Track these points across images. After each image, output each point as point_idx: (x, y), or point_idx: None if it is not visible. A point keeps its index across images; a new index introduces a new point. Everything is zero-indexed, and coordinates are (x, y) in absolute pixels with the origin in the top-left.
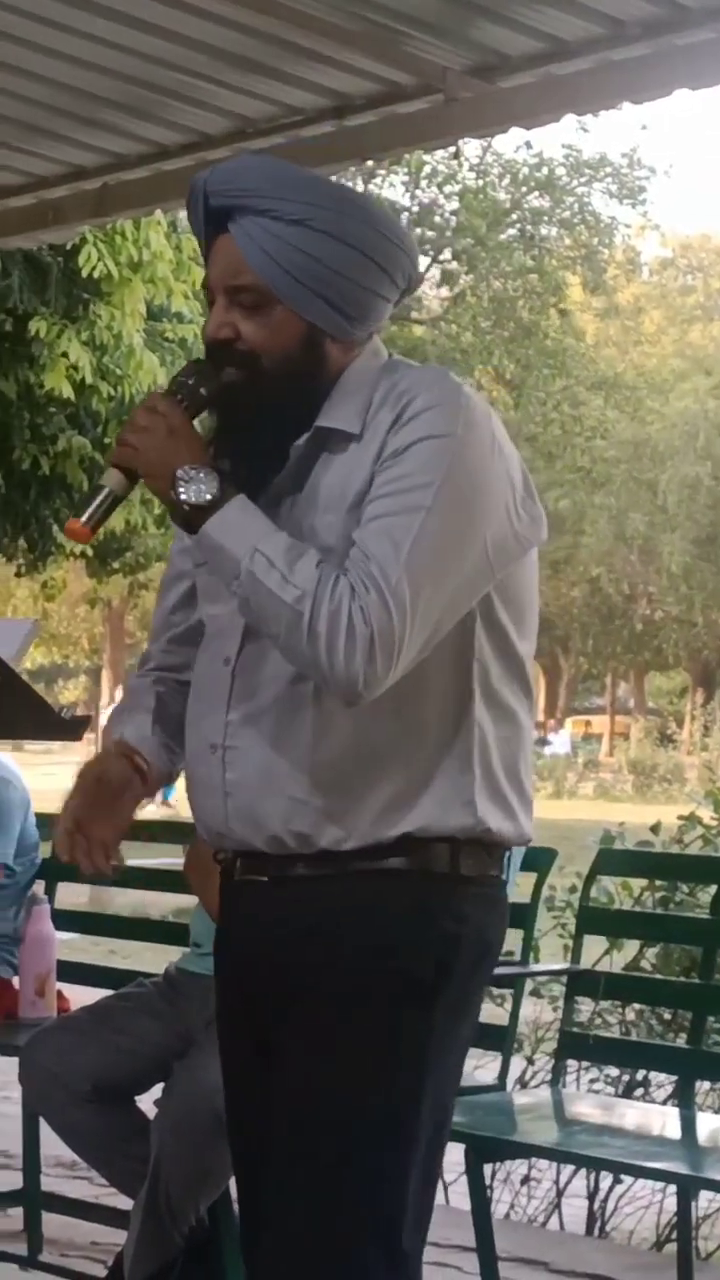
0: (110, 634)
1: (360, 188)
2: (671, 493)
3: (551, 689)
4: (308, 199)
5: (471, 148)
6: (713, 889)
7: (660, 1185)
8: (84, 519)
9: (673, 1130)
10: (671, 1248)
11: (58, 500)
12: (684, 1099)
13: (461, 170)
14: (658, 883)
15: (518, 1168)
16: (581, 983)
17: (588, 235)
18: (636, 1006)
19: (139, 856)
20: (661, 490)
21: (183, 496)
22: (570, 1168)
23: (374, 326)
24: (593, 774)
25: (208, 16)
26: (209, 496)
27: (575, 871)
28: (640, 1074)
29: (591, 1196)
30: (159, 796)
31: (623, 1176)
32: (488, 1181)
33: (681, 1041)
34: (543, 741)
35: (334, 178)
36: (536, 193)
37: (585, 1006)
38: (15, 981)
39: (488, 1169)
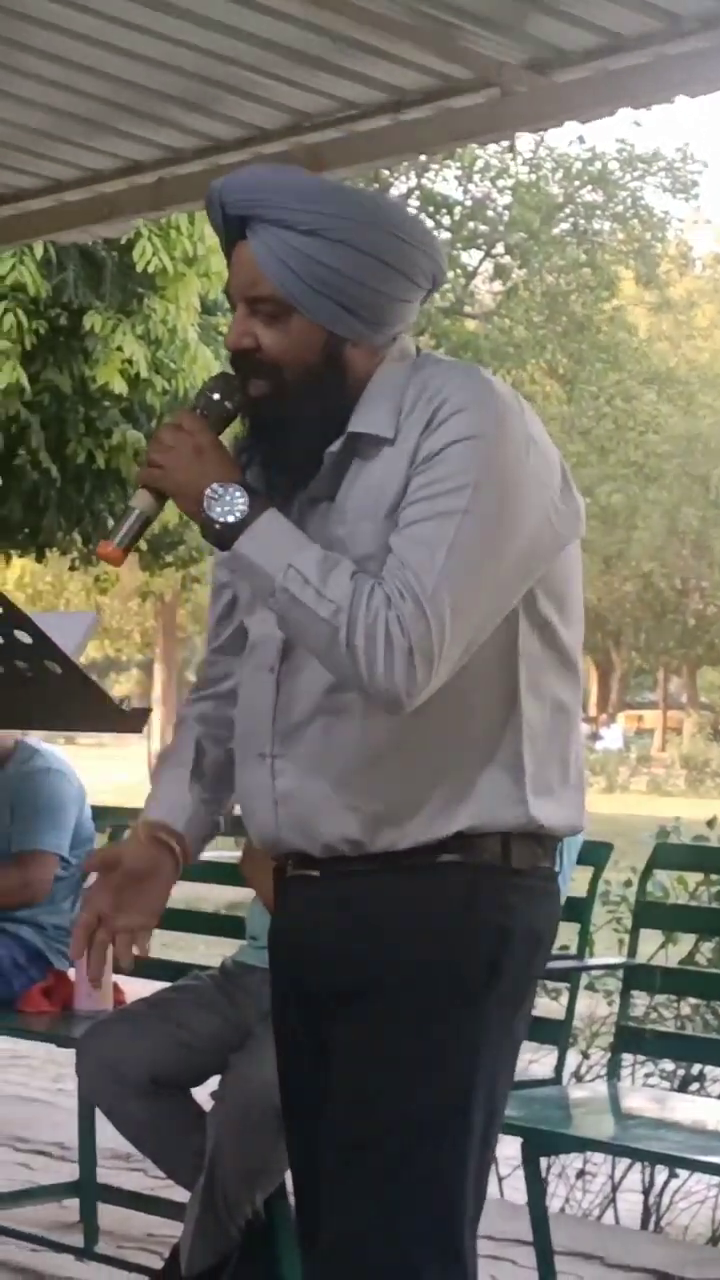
0: (162, 628)
1: (413, 182)
2: None
3: (604, 684)
4: (319, 208)
5: (524, 142)
6: None
7: (716, 1180)
8: (115, 541)
9: None
10: None
11: (112, 494)
12: None
13: (514, 164)
14: (713, 877)
15: (572, 1162)
16: (637, 977)
17: (640, 229)
18: (692, 1001)
19: None
20: (714, 485)
21: (213, 515)
22: (625, 1162)
23: (397, 329)
24: (645, 769)
25: (264, 11)
26: (238, 514)
27: (630, 866)
28: (696, 1068)
29: (646, 1191)
30: None
31: (678, 1171)
32: (543, 1175)
33: None
34: (595, 736)
35: (390, 172)
36: (589, 187)
37: (641, 1001)
38: (72, 973)
39: (543, 1163)
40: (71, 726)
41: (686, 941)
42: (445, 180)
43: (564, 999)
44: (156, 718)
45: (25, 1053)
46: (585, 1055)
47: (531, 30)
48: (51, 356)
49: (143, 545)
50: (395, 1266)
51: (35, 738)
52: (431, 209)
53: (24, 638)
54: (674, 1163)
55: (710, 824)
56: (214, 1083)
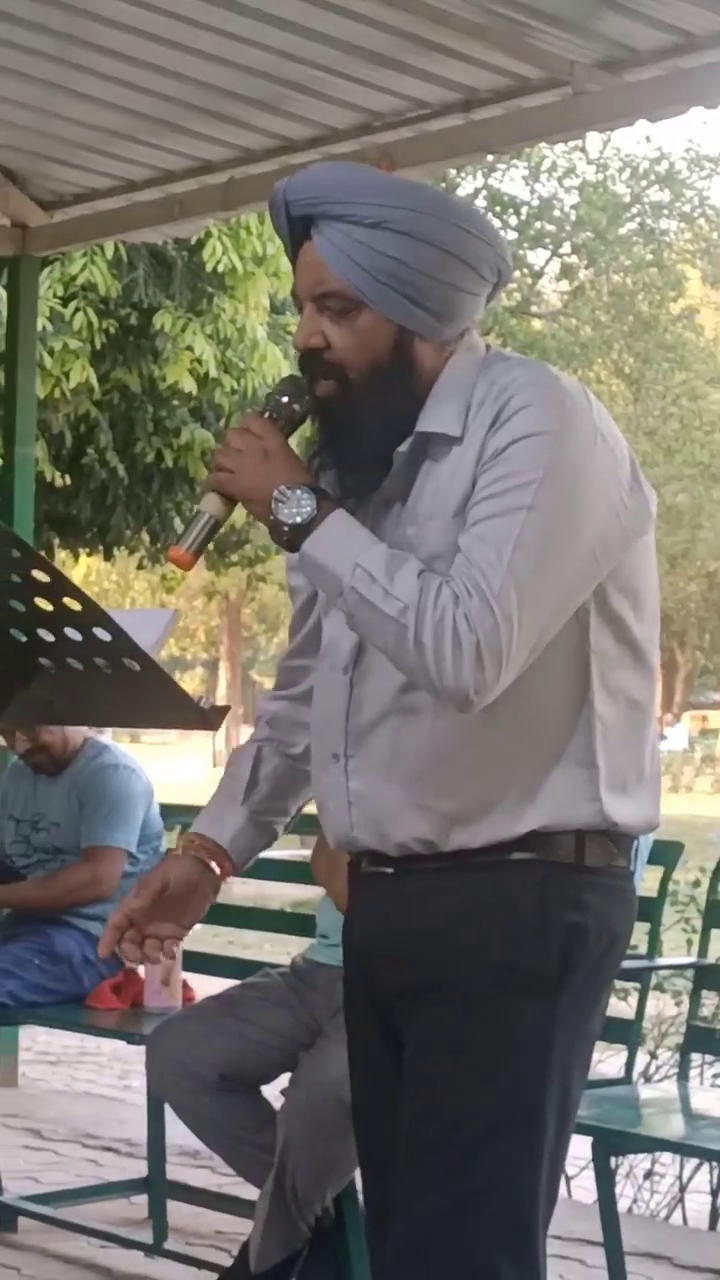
0: (227, 627)
1: (480, 182)
2: None
3: (668, 684)
4: (383, 201)
5: (591, 141)
6: None
7: None
8: (185, 546)
9: None
10: None
11: (180, 493)
12: None
13: (581, 164)
14: None
15: (640, 1162)
16: (707, 977)
17: (708, 229)
18: None
19: None
20: None
21: (281, 517)
22: (694, 1162)
23: (465, 323)
24: (709, 769)
25: (336, 10)
26: (305, 516)
27: (697, 866)
28: None
29: (715, 1192)
30: None
31: None
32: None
33: None
34: (659, 736)
35: (457, 172)
36: (656, 186)
37: (710, 1001)
38: (142, 971)
39: (611, 1162)
40: (150, 724)
41: None
42: (512, 180)
43: (633, 999)
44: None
45: (93, 1049)
46: (653, 1055)
47: (603, 29)
48: (121, 356)
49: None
50: (468, 1265)
51: (105, 735)
52: (499, 208)
53: (103, 635)
54: None
55: None
56: (284, 1080)
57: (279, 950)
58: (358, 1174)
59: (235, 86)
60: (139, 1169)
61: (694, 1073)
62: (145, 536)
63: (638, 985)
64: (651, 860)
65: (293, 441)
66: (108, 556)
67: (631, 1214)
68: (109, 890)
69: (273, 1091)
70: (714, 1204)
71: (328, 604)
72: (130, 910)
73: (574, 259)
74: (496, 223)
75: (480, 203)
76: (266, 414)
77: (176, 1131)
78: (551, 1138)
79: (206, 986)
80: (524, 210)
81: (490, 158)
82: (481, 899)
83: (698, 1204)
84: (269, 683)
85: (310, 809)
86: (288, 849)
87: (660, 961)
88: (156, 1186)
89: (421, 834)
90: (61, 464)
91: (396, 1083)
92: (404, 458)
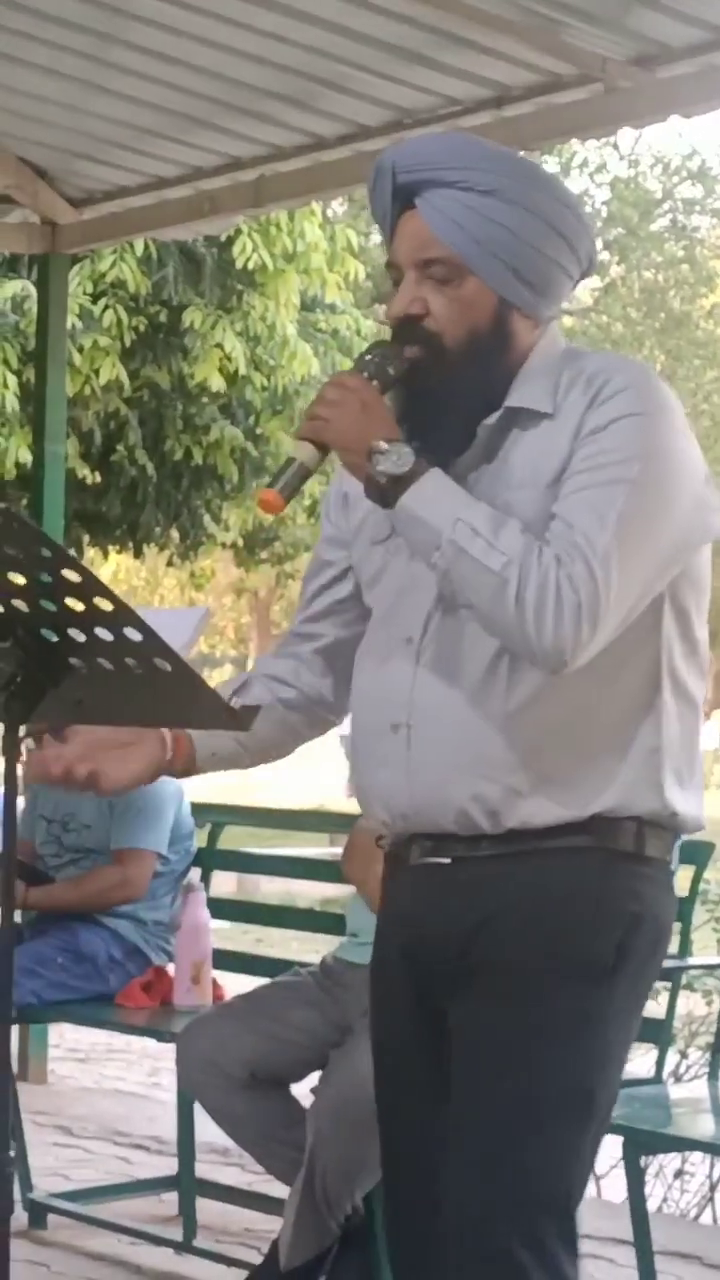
0: (257, 624)
1: None
2: None
3: None
4: (497, 170)
5: (623, 137)
6: None
7: None
8: (278, 487)
9: None
10: None
11: (209, 490)
12: None
13: (613, 160)
14: None
15: (670, 1161)
16: None
17: None
18: None
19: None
20: None
21: (379, 468)
22: None
23: (558, 305)
24: None
25: (367, 7)
26: (406, 468)
27: None
28: None
29: None
30: None
31: None
32: None
33: None
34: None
35: None
36: (688, 182)
37: None
38: (171, 969)
39: (641, 1162)
40: (181, 724)
41: None
42: None
43: (663, 998)
44: None
45: (122, 1047)
46: (684, 1055)
47: (635, 25)
48: (151, 353)
49: (239, 541)
50: (524, 1242)
51: None
52: None
53: (133, 635)
54: None
55: None
56: (314, 1079)
57: (307, 949)
58: None
59: (266, 84)
60: (169, 1166)
61: None
62: (174, 534)
63: (668, 984)
64: (683, 859)
65: None
66: (137, 554)
67: (661, 1213)
68: (139, 892)
69: (303, 1090)
70: None
71: (379, 577)
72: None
73: (605, 255)
74: None
75: None
76: (361, 372)
77: (206, 1129)
78: (599, 1121)
79: (236, 985)
80: None
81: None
82: (541, 887)
83: None
84: None
85: (337, 806)
86: (316, 848)
87: (691, 961)
88: (186, 1184)
89: (487, 805)
90: (91, 461)
91: (435, 1075)
92: (490, 430)
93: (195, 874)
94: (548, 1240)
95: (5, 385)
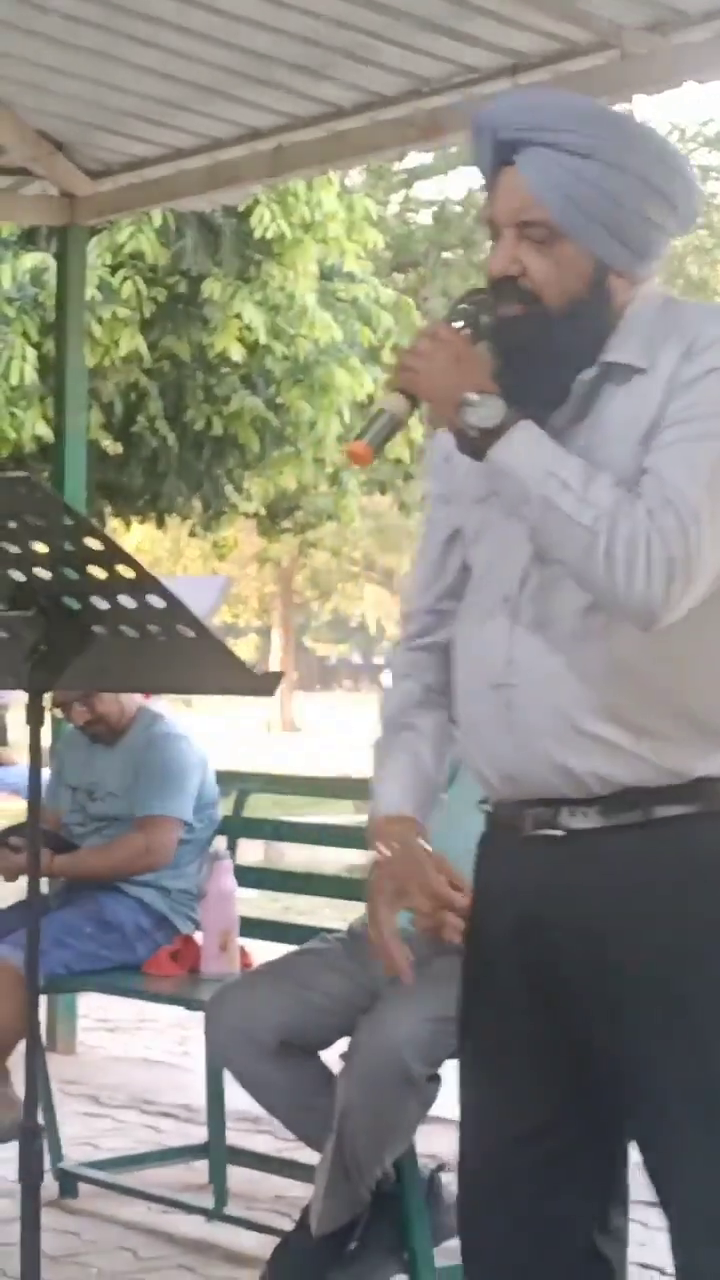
0: (280, 593)
1: None
2: None
3: None
4: (594, 130)
5: (638, 104)
6: None
7: None
8: (366, 439)
9: None
10: None
11: (230, 460)
12: None
13: None
14: None
15: None
16: None
17: None
18: None
19: (312, 813)
20: None
21: (470, 420)
22: None
23: (658, 261)
24: None
25: None
26: (495, 421)
27: None
28: None
29: None
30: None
31: None
32: None
33: None
34: None
35: None
36: (705, 149)
37: None
38: (198, 937)
39: None
40: (205, 690)
41: None
42: None
43: None
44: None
45: (151, 1016)
46: None
47: None
48: (170, 324)
49: (261, 511)
50: None
51: (160, 703)
52: None
53: (156, 602)
54: None
55: None
56: (343, 1045)
57: (337, 915)
58: (417, 1137)
59: (283, 53)
60: (199, 1134)
61: None
62: (197, 504)
63: None
64: None
65: None
66: (159, 524)
67: None
68: (164, 859)
69: (331, 1056)
70: None
71: (480, 534)
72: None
73: None
74: None
75: None
76: (455, 323)
77: (236, 1097)
78: None
79: (264, 953)
80: None
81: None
82: (661, 855)
83: None
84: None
85: (363, 773)
86: (343, 814)
87: None
88: (216, 1152)
89: (588, 765)
90: (113, 432)
91: (555, 1060)
92: (585, 386)
93: (221, 842)
94: None
95: (24, 358)
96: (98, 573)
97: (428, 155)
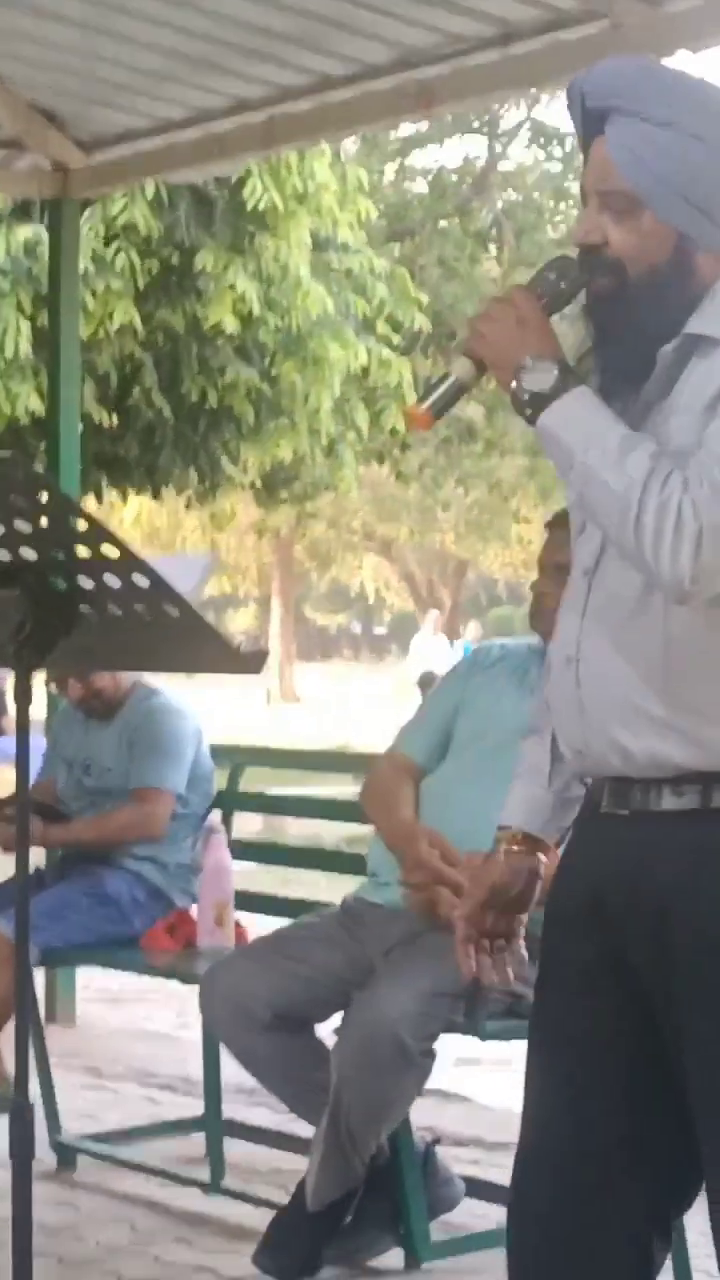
0: (279, 563)
1: (523, 114)
2: None
3: None
4: (674, 100)
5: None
6: None
7: None
8: (426, 404)
9: None
10: None
11: (226, 432)
12: None
13: None
14: None
15: None
16: None
17: None
18: None
19: (310, 786)
20: None
21: (524, 384)
22: None
23: None
24: None
25: None
26: (547, 387)
27: None
28: None
29: None
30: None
31: None
32: None
33: None
34: None
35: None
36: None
37: None
38: (194, 911)
39: None
40: (191, 669)
41: None
42: (558, 111)
43: None
44: (275, 655)
45: (150, 988)
46: None
47: None
48: (164, 296)
49: (257, 482)
50: None
51: (160, 676)
52: (543, 140)
53: (141, 581)
54: None
55: None
56: (338, 1019)
57: (335, 889)
58: (412, 1112)
59: (273, 24)
60: (197, 1107)
61: None
62: (193, 475)
63: None
64: None
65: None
66: (156, 496)
67: None
68: (158, 831)
69: (326, 1031)
70: None
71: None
72: (463, 917)
73: None
74: (540, 154)
75: (525, 135)
76: (533, 290)
77: (233, 1070)
78: None
79: (260, 926)
80: (568, 141)
81: (534, 91)
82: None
83: None
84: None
85: (361, 747)
86: (341, 787)
87: None
88: (213, 1125)
89: (645, 743)
90: (108, 404)
91: (624, 1048)
92: (669, 358)
93: (216, 816)
94: None
95: (18, 331)
96: (83, 552)
97: (422, 124)
